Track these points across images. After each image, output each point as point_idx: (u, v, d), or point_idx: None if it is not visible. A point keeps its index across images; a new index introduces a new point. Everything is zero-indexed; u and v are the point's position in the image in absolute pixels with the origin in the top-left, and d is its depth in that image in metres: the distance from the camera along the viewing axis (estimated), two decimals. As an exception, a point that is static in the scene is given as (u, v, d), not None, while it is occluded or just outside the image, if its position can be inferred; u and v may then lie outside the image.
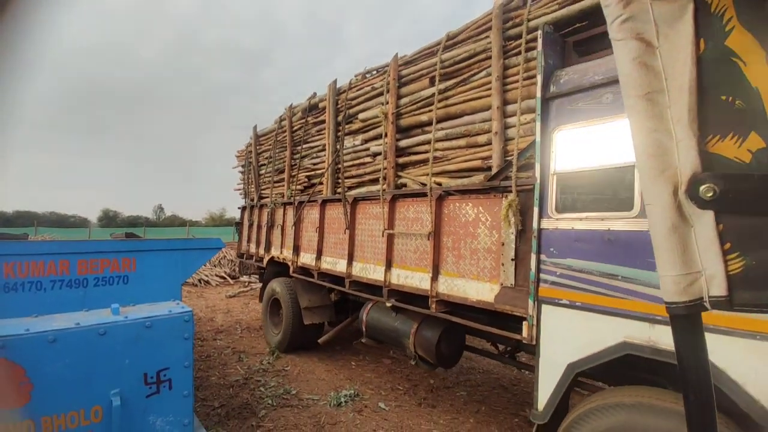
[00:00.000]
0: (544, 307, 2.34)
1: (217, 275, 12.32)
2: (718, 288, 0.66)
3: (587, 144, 2.24)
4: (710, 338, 1.56)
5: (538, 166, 2.40)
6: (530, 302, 2.39)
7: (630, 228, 2.02)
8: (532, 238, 2.39)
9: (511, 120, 2.72)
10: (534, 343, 2.38)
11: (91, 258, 2.30)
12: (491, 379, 4.57)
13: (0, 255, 2.06)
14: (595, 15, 2.50)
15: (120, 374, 1.91)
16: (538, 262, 2.37)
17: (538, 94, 2.43)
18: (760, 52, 0.59)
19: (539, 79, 2.43)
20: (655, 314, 1.91)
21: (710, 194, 0.63)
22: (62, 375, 1.78)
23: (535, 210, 2.39)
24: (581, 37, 2.59)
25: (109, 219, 55.69)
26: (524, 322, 2.42)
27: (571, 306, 2.22)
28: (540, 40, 2.46)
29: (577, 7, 2.49)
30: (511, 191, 2.56)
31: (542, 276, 2.35)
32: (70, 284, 2.26)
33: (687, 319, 0.68)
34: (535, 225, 2.39)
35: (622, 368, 2.12)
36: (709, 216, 0.65)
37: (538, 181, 2.39)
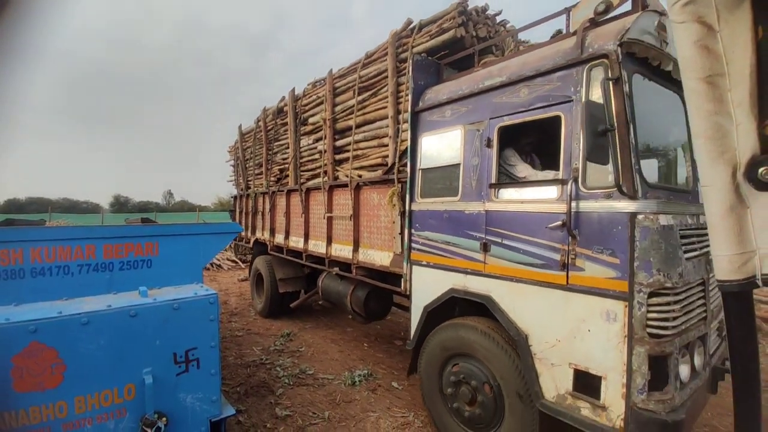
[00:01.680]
0: (414, 267, 3.21)
1: (228, 259, 12.75)
2: None
3: (437, 147, 3.05)
4: (490, 282, 2.45)
5: (409, 164, 3.23)
6: (405, 264, 3.26)
7: (456, 209, 2.85)
8: (406, 217, 3.25)
9: (402, 126, 3.52)
10: (408, 293, 3.26)
11: (116, 243, 2.33)
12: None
13: (27, 241, 2.09)
14: (453, 45, 3.27)
15: (151, 354, 1.98)
16: (410, 234, 3.23)
17: (409, 109, 3.23)
18: None
19: (410, 97, 3.23)
20: (467, 268, 2.76)
21: None
22: (95, 356, 1.83)
23: (408, 196, 3.24)
24: (453, 59, 3.33)
25: (120, 205, 56.51)
26: (402, 279, 3.31)
27: (427, 265, 3.08)
28: (410, 67, 3.24)
29: (440, 39, 3.26)
30: (395, 182, 3.40)
31: (412, 245, 3.21)
32: (97, 268, 2.28)
33: (739, 297, 0.71)
34: (407, 207, 3.23)
35: (473, 306, 2.91)
36: (765, 197, 0.67)
37: (409, 174, 3.22)
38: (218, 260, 12.45)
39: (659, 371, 1.91)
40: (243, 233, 7.16)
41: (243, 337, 5.20)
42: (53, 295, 2.06)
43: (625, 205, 1.95)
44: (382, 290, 4.00)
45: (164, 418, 1.96)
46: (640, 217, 1.91)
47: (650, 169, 2.56)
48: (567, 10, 2.47)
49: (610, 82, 2.00)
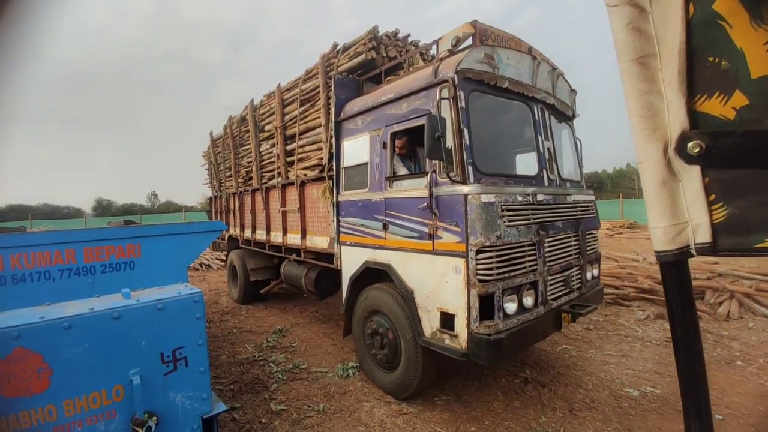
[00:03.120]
0: (342, 247, 3.97)
1: (217, 259, 12.82)
2: (704, 236, 0.71)
3: (353, 150, 3.79)
4: (390, 253, 3.27)
5: (335, 164, 3.97)
6: (336, 245, 4.01)
7: (366, 198, 3.60)
8: (335, 207, 3.99)
9: (330, 133, 4.25)
10: (339, 268, 4.02)
11: (97, 246, 2.31)
12: (492, 344, 4.76)
13: (5, 247, 2.08)
14: (367, 65, 4.00)
15: (137, 355, 1.98)
16: (338, 221, 3.98)
17: (333, 119, 3.97)
18: (744, 16, 0.63)
19: (333, 109, 3.96)
20: (375, 244, 3.51)
21: (697, 150, 0.68)
22: (81, 359, 1.81)
23: (335, 190, 3.98)
24: (368, 76, 4.07)
25: (103, 208, 55.38)
26: (334, 257, 4.06)
27: (350, 245, 3.84)
28: (333, 84, 3.97)
29: (356, 60, 3.99)
30: (324, 179, 4.14)
31: (340, 229, 3.96)
32: (78, 272, 2.26)
33: (675, 266, 0.76)
34: (335, 199, 3.98)
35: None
36: (696, 171, 0.71)
37: (335, 172, 3.96)
38: (207, 260, 12.51)
39: (487, 306, 2.67)
40: (219, 231, 7.85)
41: (236, 336, 5.26)
42: (35, 301, 2.05)
43: (462, 189, 2.71)
44: (330, 270, 4.75)
45: (155, 418, 1.98)
46: (470, 197, 2.67)
47: (498, 160, 3.33)
48: (435, 42, 3.21)
49: (449, 100, 2.76)
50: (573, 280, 3.44)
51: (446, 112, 2.80)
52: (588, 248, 3.69)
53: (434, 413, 3.22)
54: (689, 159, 0.70)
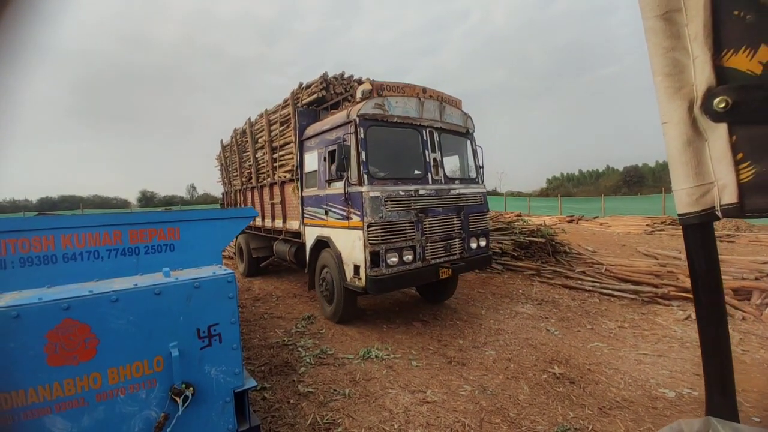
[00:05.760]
0: (306, 228, 5.78)
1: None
2: (730, 196, 0.70)
3: (310, 161, 5.57)
4: (329, 230, 5.19)
5: (300, 170, 5.76)
6: (302, 226, 5.83)
7: (316, 194, 5.38)
8: (301, 200, 5.80)
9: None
10: (304, 242, 5.83)
11: (141, 228, 2.45)
12: (519, 340, 4.60)
13: (58, 228, 2.21)
14: (320, 100, 5.75)
15: (176, 329, 2.09)
16: (302, 209, 5.78)
17: (296, 139, 5.75)
18: None
19: (296, 132, 5.74)
20: (321, 225, 5.29)
21: (723, 105, 0.68)
22: (126, 330, 1.95)
23: (301, 188, 5.78)
24: (323, 107, 5.82)
25: (147, 199, 59.76)
26: (301, 235, 5.88)
27: (310, 225, 5.64)
28: (296, 114, 5.73)
29: (313, 96, 5.74)
30: (294, 180, 5.95)
31: (304, 215, 5.77)
32: (124, 252, 2.39)
33: (699, 229, 0.74)
34: (301, 194, 5.78)
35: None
36: (722, 128, 0.69)
37: (300, 176, 5.76)
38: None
39: (376, 259, 4.41)
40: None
41: (266, 321, 5.56)
42: (84, 278, 2.19)
43: (360, 188, 4.45)
44: (303, 245, 6.59)
45: (191, 388, 2.08)
46: (364, 193, 4.40)
47: (394, 168, 5.01)
48: (356, 87, 4.91)
49: (352, 134, 4.48)
50: (454, 248, 5.12)
51: (353, 141, 4.53)
52: (471, 226, 5.35)
53: (459, 403, 3.25)
54: (716, 116, 0.69)
